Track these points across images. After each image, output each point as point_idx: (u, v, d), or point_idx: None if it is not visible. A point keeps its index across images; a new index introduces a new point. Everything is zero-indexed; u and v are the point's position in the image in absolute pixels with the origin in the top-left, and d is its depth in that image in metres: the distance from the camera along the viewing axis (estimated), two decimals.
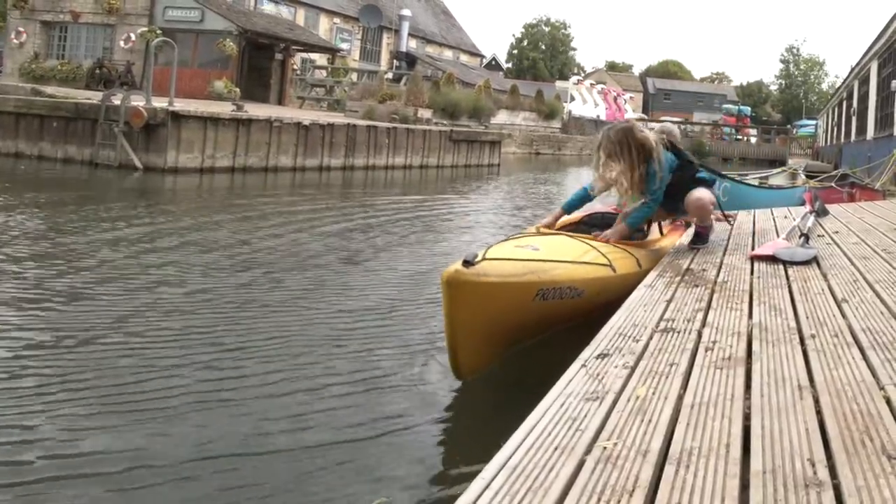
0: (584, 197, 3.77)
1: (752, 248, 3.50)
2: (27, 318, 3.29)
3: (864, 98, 17.57)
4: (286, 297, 3.89)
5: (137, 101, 10.43)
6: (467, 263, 2.38)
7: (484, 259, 2.52)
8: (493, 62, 44.26)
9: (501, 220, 8.08)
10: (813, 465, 1.19)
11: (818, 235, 4.00)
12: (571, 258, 2.95)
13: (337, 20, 27.51)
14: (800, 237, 3.61)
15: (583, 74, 54.18)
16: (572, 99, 37.36)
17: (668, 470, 1.20)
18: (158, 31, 17.17)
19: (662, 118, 42.69)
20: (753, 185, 8.61)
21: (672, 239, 3.98)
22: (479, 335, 2.50)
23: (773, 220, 4.81)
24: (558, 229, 3.71)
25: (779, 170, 13.02)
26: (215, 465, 2.04)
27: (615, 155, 3.38)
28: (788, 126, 45.23)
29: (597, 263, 3.03)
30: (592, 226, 3.83)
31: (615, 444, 1.30)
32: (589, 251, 3.14)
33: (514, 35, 61.92)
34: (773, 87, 65.06)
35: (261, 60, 19.63)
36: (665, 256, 3.47)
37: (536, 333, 2.84)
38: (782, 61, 63.00)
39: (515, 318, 2.61)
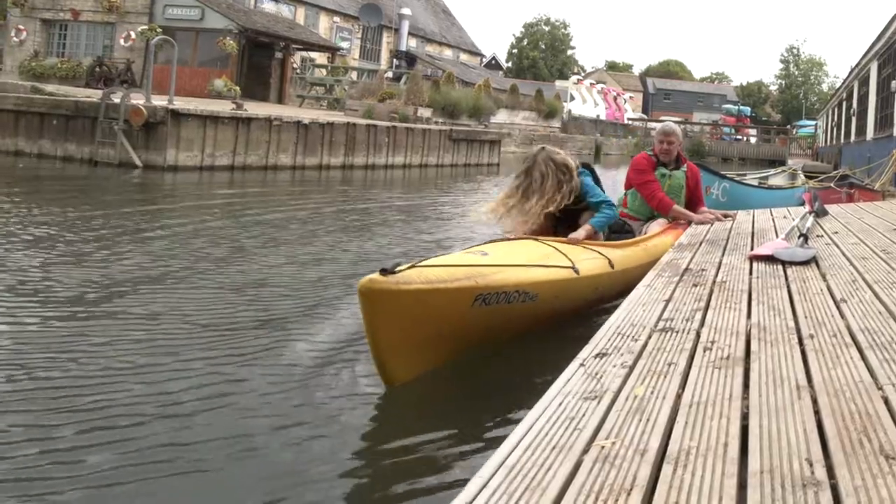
0: None
1: (751, 248, 3.50)
2: None
3: (863, 99, 17.57)
4: (261, 301, 3.68)
5: (137, 100, 10.42)
6: (385, 271, 2.27)
7: (413, 266, 2.38)
8: (493, 61, 44.25)
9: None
10: (811, 464, 1.19)
11: (817, 236, 4.00)
12: (525, 261, 2.82)
13: (337, 19, 27.50)
14: (799, 237, 3.61)
15: (583, 74, 54.17)
16: (572, 98, 37.34)
17: (666, 469, 1.20)
18: (158, 30, 17.15)
19: (662, 118, 42.65)
20: (752, 186, 8.62)
21: (660, 240, 3.92)
22: (408, 345, 2.37)
23: (773, 220, 4.81)
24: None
25: (778, 170, 13.04)
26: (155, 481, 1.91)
27: (537, 189, 3.48)
28: (788, 126, 45.23)
29: (556, 266, 2.91)
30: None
31: (613, 444, 1.30)
32: (551, 253, 3.02)
33: (513, 34, 62.02)
34: (773, 88, 65.07)
35: (261, 59, 19.61)
36: (664, 256, 3.46)
37: (486, 339, 2.69)
38: (782, 61, 63.05)
39: (451, 325, 2.48)
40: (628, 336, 2.03)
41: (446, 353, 2.55)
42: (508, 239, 3.36)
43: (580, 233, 3.45)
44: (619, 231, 4.10)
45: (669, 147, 4.56)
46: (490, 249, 2.92)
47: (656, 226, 4.26)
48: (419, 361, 2.44)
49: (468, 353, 2.65)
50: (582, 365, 1.79)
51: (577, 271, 2.97)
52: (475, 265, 2.61)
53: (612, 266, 3.25)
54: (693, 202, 4.71)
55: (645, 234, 4.18)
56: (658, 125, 5.51)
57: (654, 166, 4.52)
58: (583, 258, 3.10)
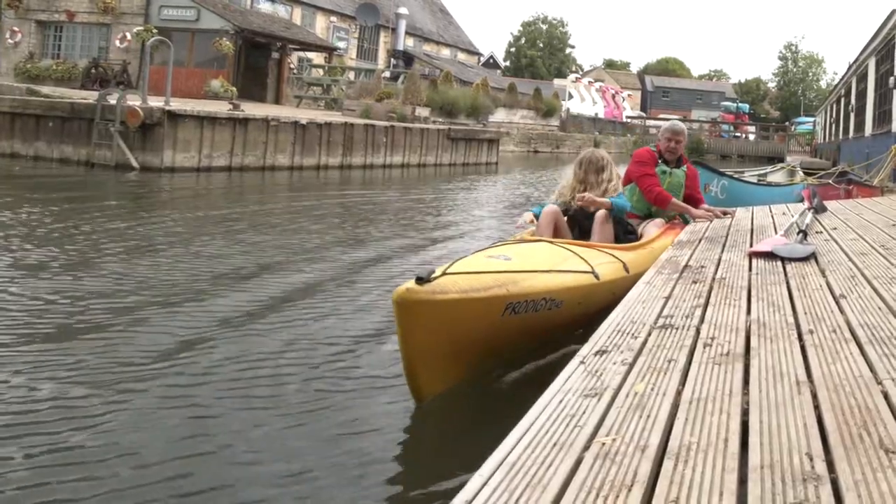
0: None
1: (751, 245, 3.50)
2: None
3: (861, 95, 17.57)
4: (252, 309, 3.60)
5: (133, 101, 10.41)
6: (421, 280, 2.18)
7: (444, 274, 2.30)
8: (491, 60, 44.25)
9: (489, 222, 8.04)
10: (811, 459, 1.19)
11: (816, 232, 4.00)
12: (548, 266, 2.76)
13: (334, 19, 27.47)
14: (798, 234, 3.61)
15: (581, 72, 54.16)
16: (570, 97, 37.35)
17: (667, 465, 1.20)
18: (154, 31, 17.12)
19: (661, 115, 42.66)
20: (751, 183, 8.64)
21: (666, 241, 3.87)
22: (440, 357, 2.29)
23: (772, 216, 4.81)
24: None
25: (777, 167, 13.06)
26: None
27: (601, 169, 3.81)
28: (787, 123, 45.26)
29: (578, 271, 2.87)
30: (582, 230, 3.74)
31: (614, 440, 1.30)
32: (569, 258, 2.97)
33: (511, 33, 62.11)
34: (772, 85, 65.12)
35: (257, 59, 19.59)
36: (663, 253, 3.46)
37: (511, 349, 2.64)
38: (780, 58, 63.11)
39: (482, 335, 2.41)
40: (628, 333, 2.03)
41: (473, 365, 2.47)
42: (523, 241, 3.33)
43: (593, 197, 3.62)
44: (624, 233, 4.03)
45: (677, 146, 4.53)
46: (510, 253, 2.86)
47: (653, 227, 4.15)
48: (447, 375, 2.37)
49: (492, 366, 2.58)
50: (582, 362, 1.79)
51: (597, 276, 2.92)
52: (502, 271, 2.55)
53: (626, 270, 3.21)
54: (693, 201, 4.69)
55: (642, 234, 4.10)
56: (664, 123, 5.33)
57: (655, 162, 4.50)
58: (600, 262, 3.06)
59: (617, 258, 3.25)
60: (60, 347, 2.91)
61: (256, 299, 3.84)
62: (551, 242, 3.22)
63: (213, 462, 2.08)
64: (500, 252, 2.88)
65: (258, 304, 3.75)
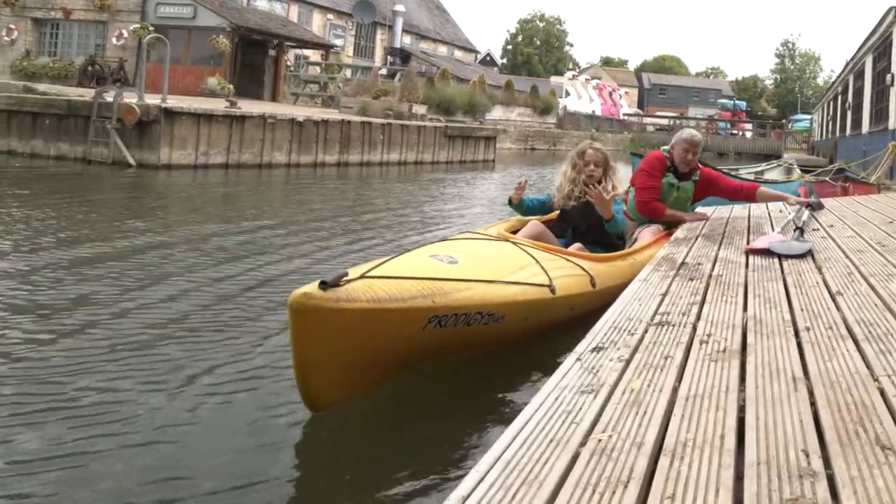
0: (544, 205, 3.84)
1: (748, 242, 3.50)
2: None
3: (858, 92, 17.59)
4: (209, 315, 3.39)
5: (130, 98, 10.37)
6: (325, 285, 1.92)
7: (362, 277, 2.05)
8: (488, 58, 44.22)
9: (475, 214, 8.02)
10: (807, 455, 1.19)
11: (813, 229, 4.00)
12: (496, 276, 2.51)
13: (330, 16, 27.40)
14: (795, 231, 3.61)
15: (578, 70, 54.16)
16: (567, 94, 37.32)
17: (663, 462, 1.20)
18: (151, 28, 17.07)
19: (658, 113, 42.62)
20: (749, 181, 8.63)
21: (650, 252, 3.64)
22: (341, 369, 2.05)
23: (769, 213, 4.81)
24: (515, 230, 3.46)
25: (773, 164, 13.07)
26: None
27: (605, 162, 3.85)
28: (784, 121, 45.30)
29: (530, 283, 2.62)
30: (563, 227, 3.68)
31: (610, 437, 1.30)
32: (528, 266, 2.72)
33: (508, 31, 62.11)
34: (769, 82, 65.20)
35: (254, 57, 19.56)
36: (660, 251, 3.45)
37: (431, 359, 2.39)
38: (777, 56, 63.19)
39: (396, 348, 2.17)
40: (625, 330, 2.03)
41: (383, 376, 2.25)
42: (483, 238, 3.08)
43: (608, 209, 3.60)
44: (611, 243, 3.85)
45: (693, 158, 4.30)
46: (460, 254, 2.59)
47: (648, 233, 4.01)
48: (349, 386, 2.12)
49: (408, 373, 2.37)
50: (578, 359, 1.79)
51: (553, 290, 2.67)
52: (436, 278, 2.27)
53: (593, 284, 2.98)
54: (733, 190, 4.57)
55: (635, 240, 3.96)
56: (682, 132, 4.48)
57: (664, 171, 4.26)
58: (561, 274, 2.82)
59: (585, 271, 2.98)
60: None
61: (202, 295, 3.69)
62: (515, 244, 2.98)
63: (95, 478, 1.87)
64: (447, 252, 2.58)
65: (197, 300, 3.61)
